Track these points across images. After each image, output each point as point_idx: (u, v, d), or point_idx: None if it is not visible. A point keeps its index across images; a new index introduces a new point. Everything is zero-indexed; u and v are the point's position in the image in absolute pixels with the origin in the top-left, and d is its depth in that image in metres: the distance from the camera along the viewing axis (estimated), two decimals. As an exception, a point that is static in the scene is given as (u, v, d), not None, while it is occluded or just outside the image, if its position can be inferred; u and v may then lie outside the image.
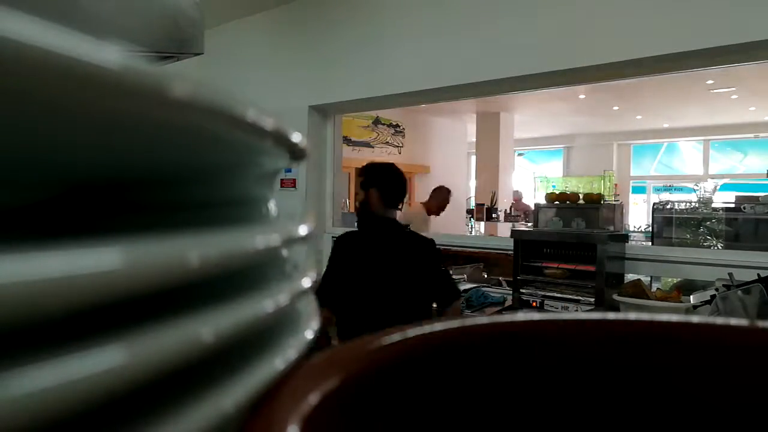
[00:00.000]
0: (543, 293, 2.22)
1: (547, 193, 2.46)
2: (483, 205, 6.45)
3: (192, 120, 0.13)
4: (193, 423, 0.12)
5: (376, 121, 6.88)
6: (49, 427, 0.09)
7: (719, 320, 0.22)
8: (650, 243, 3.38)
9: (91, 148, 0.13)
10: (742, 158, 8.64)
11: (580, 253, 2.16)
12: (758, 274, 1.62)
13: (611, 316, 0.23)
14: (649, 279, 2.41)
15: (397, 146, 7.26)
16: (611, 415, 0.22)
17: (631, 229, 6.14)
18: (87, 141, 0.12)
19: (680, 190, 6.86)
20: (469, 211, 6.74)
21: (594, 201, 2.32)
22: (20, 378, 0.09)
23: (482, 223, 6.66)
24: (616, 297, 1.93)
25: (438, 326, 0.21)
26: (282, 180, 3.16)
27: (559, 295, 2.18)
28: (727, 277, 1.66)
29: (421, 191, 7.43)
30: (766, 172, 5.83)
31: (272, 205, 0.23)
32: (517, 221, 5.56)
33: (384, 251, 1.75)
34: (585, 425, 0.22)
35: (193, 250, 0.13)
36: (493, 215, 6.42)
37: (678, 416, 0.22)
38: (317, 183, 3.21)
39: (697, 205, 3.18)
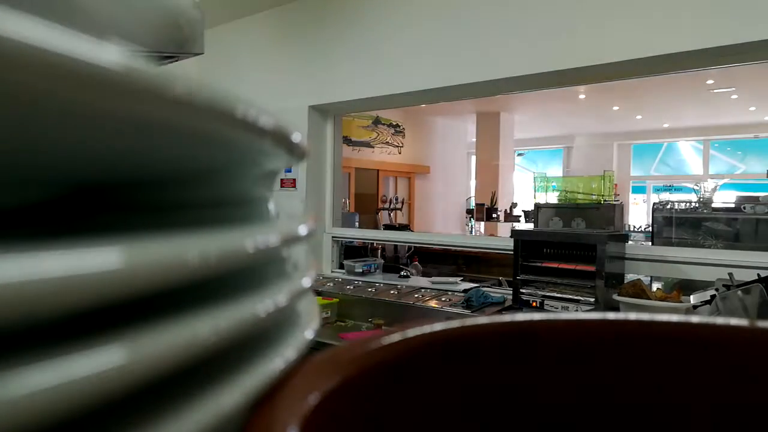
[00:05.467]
0: (543, 293, 2.22)
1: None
2: (483, 205, 6.46)
3: (192, 120, 0.13)
4: (193, 423, 0.12)
5: (376, 121, 6.87)
6: (49, 427, 0.09)
7: (719, 320, 0.22)
8: (650, 243, 3.39)
9: (91, 148, 0.13)
10: (742, 158, 8.65)
11: (580, 253, 2.16)
12: (758, 274, 1.62)
13: (611, 316, 0.23)
14: (649, 279, 2.40)
15: (397, 146, 7.25)
16: (612, 415, 0.22)
17: (631, 229, 6.14)
18: (87, 141, 0.12)
19: (680, 190, 6.86)
20: (469, 211, 6.74)
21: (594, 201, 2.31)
22: (20, 378, 0.09)
23: (482, 223, 6.67)
24: (616, 297, 1.93)
25: (438, 326, 0.21)
26: (282, 180, 3.16)
27: (559, 295, 2.18)
28: (727, 277, 1.66)
29: (421, 191, 7.44)
30: (766, 172, 5.83)
31: (272, 205, 0.23)
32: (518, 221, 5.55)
33: None
34: (586, 425, 0.22)
35: (193, 250, 0.13)
36: (493, 215, 6.43)
37: (678, 416, 0.22)
38: (317, 183, 3.21)
39: (697, 205, 3.18)
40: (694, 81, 5.39)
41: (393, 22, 2.76)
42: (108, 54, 0.10)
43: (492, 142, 7.18)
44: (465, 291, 2.55)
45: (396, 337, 0.20)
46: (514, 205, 6.67)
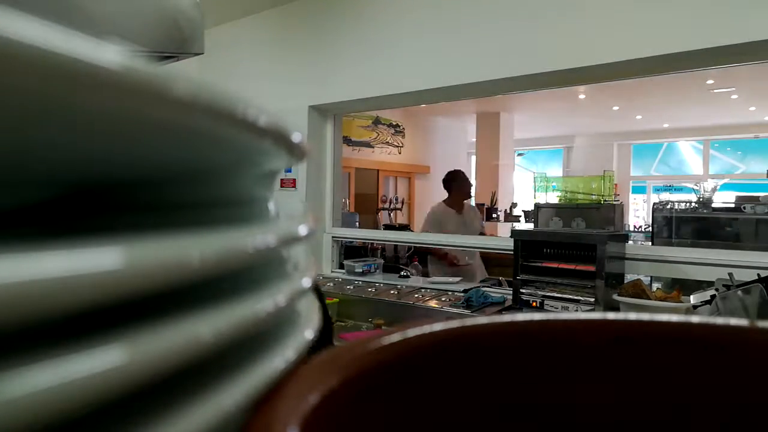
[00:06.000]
0: (543, 293, 2.22)
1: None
2: (483, 205, 6.45)
3: (192, 120, 0.13)
4: (193, 423, 0.12)
5: (376, 121, 6.87)
6: (49, 428, 0.09)
7: (719, 320, 0.22)
8: (650, 243, 3.39)
9: (91, 148, 0.13)
10: (742, 158, 8.65)
11: (580, 253, 2.16)
12: (758, 274, 1.62)
13: (611, 316, 0.23)
14: (649, 279, 2.40)
15: (397, 146, 7.25)
16: (612, 414, 0.22)
17: (631, 229, 6.15)
18: (86, 141, 0.12)
19: (680, 190, 6.86)
20: (469, 211, 6.73)
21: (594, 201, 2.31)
22: (20, 378, 0.09)
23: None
24: (616, 297, 1.93)
25: (438, 326, 0.21)
26: (282, 180, 3.16)
27: (559, 295, 2.18)
28: (727, 277, 1.66)
29: (421, 191, 7.44)
30: (766, 172, 5.83)
31: (272, 205, 0.23)
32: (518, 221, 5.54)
33: None
34: (586, 424, 0.22)
35: (193, 250, 0.13)
36: (493, 215, 6.42)
37: (678, 416, 0.22)
38: (317, 183, 3.21)
39: (697, 205, 3.18)
40: (694, 81, 5.39)
41: (393, 22, 2.76)
42: (108, 54, 0.10)
43: (492, 142, 7.18)
44: (465, 291, 2.55)
45: (396, 337, 0.20)
46: (514, 205, 6.67)
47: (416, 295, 2.58)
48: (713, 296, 1.64)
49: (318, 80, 3.06)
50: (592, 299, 2.08)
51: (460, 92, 2.69)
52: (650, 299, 1.86)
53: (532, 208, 2.98)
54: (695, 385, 0.21)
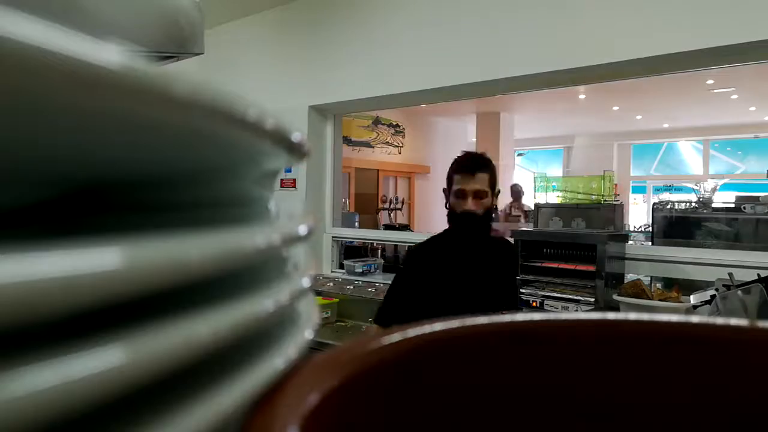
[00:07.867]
0: (543, 293, 2.22)
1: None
2: (483, 205, 6.44)
3: (192, 120, 0.13)
4: (193, 423, 0.12)
5: (376, 121, 6.87)
6: (49, 427, 0.09)
7: (719, 320, 0.22)
8: (650, 243, 3.38)
9: (91, 148, 0.13)
10: (742, 158, 8.65)
11: (580, 253, 2.16)
12: (758, 274, 1.62)
13: (611, 316, 0.23)
14: (649, 279, 2.40)
15: (397, 146, 7.25)
16: (612, 415, 0.22)
17: (631, 229, 6.14)
18: (87, 141, 0.12)
19: (680, 190, 6.86)
20: (469, 211, 6.73)
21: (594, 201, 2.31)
22: (20, 378, 0.09)
23: (482, 223, 6.66)
24: (616, 297, 1.93)
25: (438, 326, 0.21)
26: (282, 180, 3.16)
27: (559, 295, 2.18)
28: (727, 277, 1.66)
29: (421, 191, 7.44)
30: (766, 172, 5.83)
31: (272, 205, 0.23)
32: (517, 221, 5.54)
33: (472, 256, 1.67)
34: (586, 425, 0.22)
35: (193, 250, 0.13)
36: (493, 215, 6.41)
37: (678, 416, 0.22)
38: (317, 183, 3.21)
39: (697, 205, 3.18)
40: (694, 81, 5.39)
41: (393, 22, 2.76)
42: (108, 54, 0.10)
43: (492, 142, 7.18)
44: (465, 291, 2.54)
45: (396, 337, 0.20)
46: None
47: (416, 295, 2.58)
48: (713, 296, 1.64)
49: (318, 80, 3.06)
50: (592, 299, 2.08)
51: (460, 92, 2.69)
52: (650, 299, 1.86)
53: (532, 208, 2.98)
54: (695, 385, 0.21)
